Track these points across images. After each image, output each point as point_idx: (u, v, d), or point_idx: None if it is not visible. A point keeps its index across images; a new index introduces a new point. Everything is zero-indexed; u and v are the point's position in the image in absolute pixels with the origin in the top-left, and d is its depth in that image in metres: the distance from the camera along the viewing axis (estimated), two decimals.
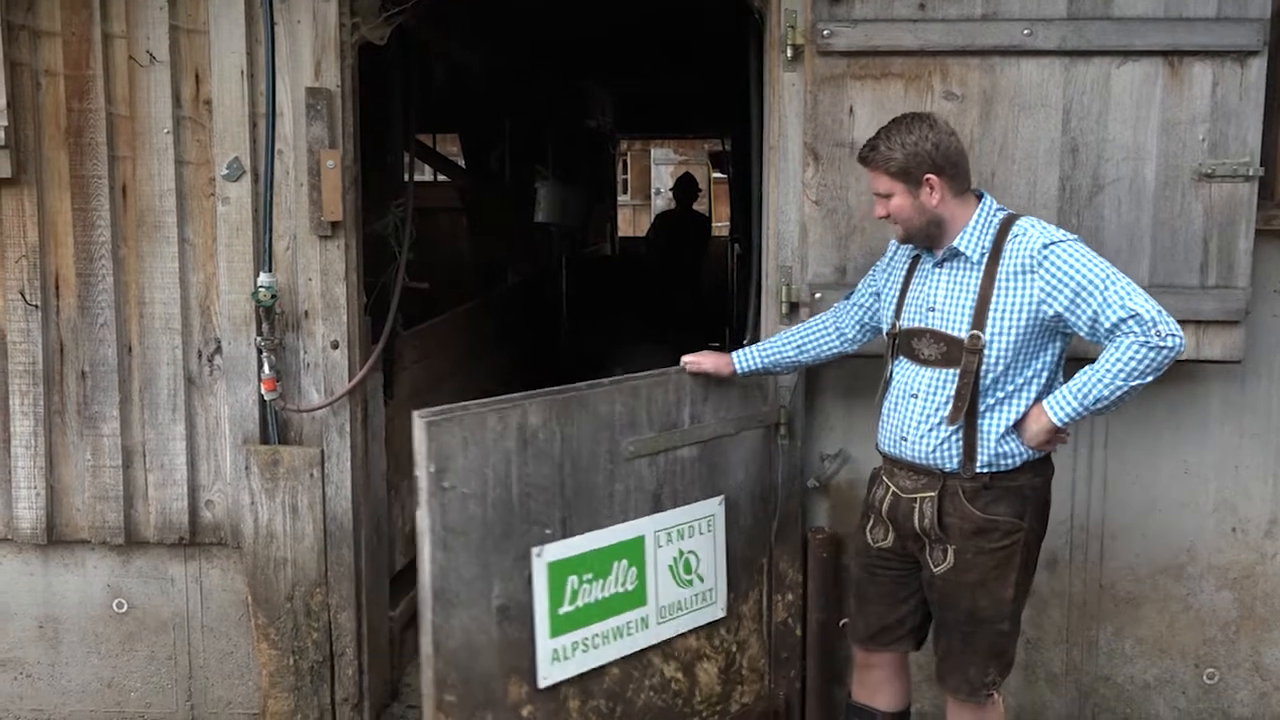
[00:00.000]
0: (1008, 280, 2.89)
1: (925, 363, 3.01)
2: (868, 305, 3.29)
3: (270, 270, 3.59)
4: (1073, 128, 3.43)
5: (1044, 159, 3.44)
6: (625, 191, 22.12)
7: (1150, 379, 2.76)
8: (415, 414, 2.93)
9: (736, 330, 6.65)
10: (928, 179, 2.91)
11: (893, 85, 3.44)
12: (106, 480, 3.73)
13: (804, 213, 3.52)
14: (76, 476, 3.75)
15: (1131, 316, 2.74)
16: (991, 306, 2.89)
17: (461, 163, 7.58)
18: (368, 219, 3.90)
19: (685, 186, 10.41)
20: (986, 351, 2.90)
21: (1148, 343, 2.73)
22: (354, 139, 3.67)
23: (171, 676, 3.87)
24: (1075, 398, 2.82)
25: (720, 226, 14.88)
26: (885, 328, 3.19)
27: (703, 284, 10.44)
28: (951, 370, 2.95)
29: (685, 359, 3.42)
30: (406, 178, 4.49)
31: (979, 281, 2.92)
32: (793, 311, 3.57)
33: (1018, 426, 2.93)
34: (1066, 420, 2.85)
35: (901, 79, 3.44)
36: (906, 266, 3.14)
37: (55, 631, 3.86)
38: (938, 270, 3.03)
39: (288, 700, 3.74)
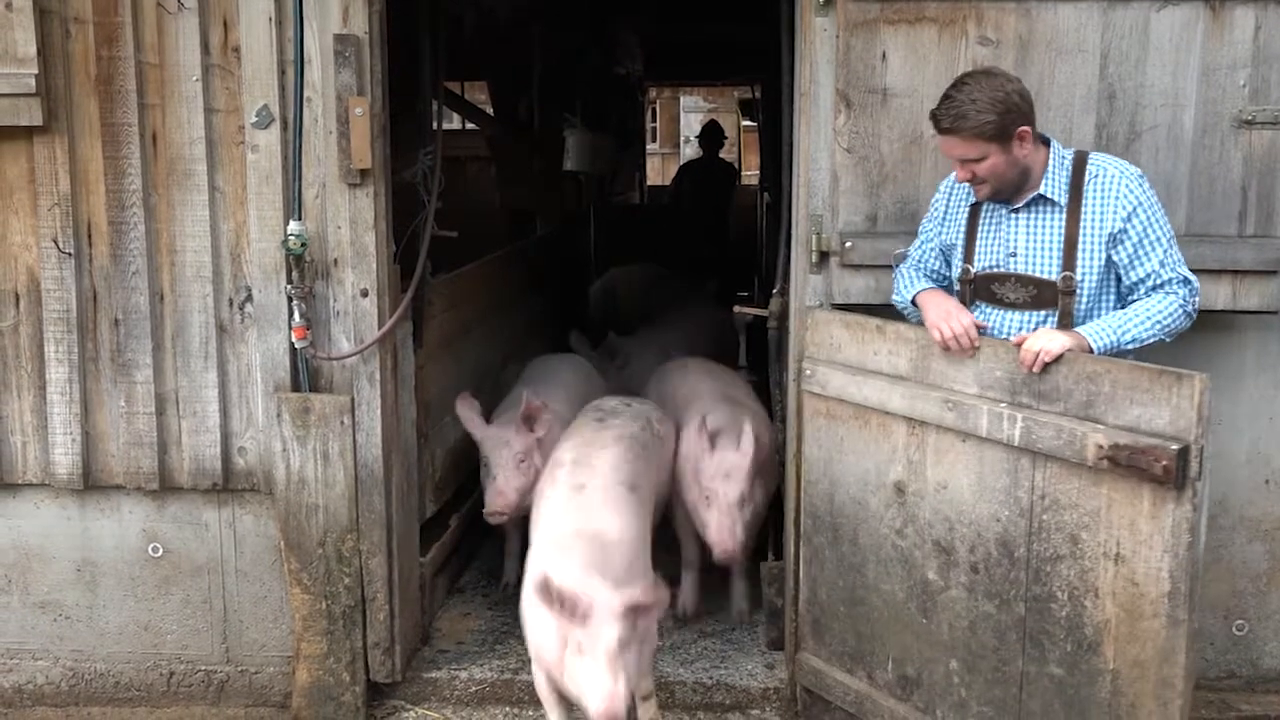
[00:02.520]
0: (1092, 221, 2.96)
1: (1012, 306, 3.07)
2: (933, 265, 3.30)
3: (300, 218, 3.59)
4: (1110, 73, 3.37)
5: (1080, 105, 3.39)
6: (654, 140, 21.92)
7: (1166, 340, 2.99)
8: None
9: (766, 279, 6.62)
10: (1021, 132, 2.92)
11: (926, 30, 3.39)
12: (140, 427, 3.77)
13: (835, 160, 3.49)
14: (111, 423, 3.79)
15: (1184, 283, 2.97)
16: (1080, 248, 2.97)
17: (490, 110, 7.53)
18: (396, 167, 3.88)
19: (711, 134, 10.31)
20: (1079, 292, 2.98)
21: (1184, 307, 2.97)
22: (382, 86, 3.65)
23: (207, 620, 3.93)
24: (1114, 331, 2.91)
25: (750, 175, 14.76)
26: (955, 274, 3.21)
27: (731, 233, 10.37)
28: (1045, 312, 3.03)
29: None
30: (435, 125, 4.46)
31: (1064, 223, 2.99)
32: (823, 260, 3.54)
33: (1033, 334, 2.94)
34: (1103, 348, 2.89)
35: (935, 24, 3.39)
36: (967, 212, 3.17)
37: (93, 575, 3.92)
38: (1015, 215, 3.06)
39: (320, 644, 3.79)
